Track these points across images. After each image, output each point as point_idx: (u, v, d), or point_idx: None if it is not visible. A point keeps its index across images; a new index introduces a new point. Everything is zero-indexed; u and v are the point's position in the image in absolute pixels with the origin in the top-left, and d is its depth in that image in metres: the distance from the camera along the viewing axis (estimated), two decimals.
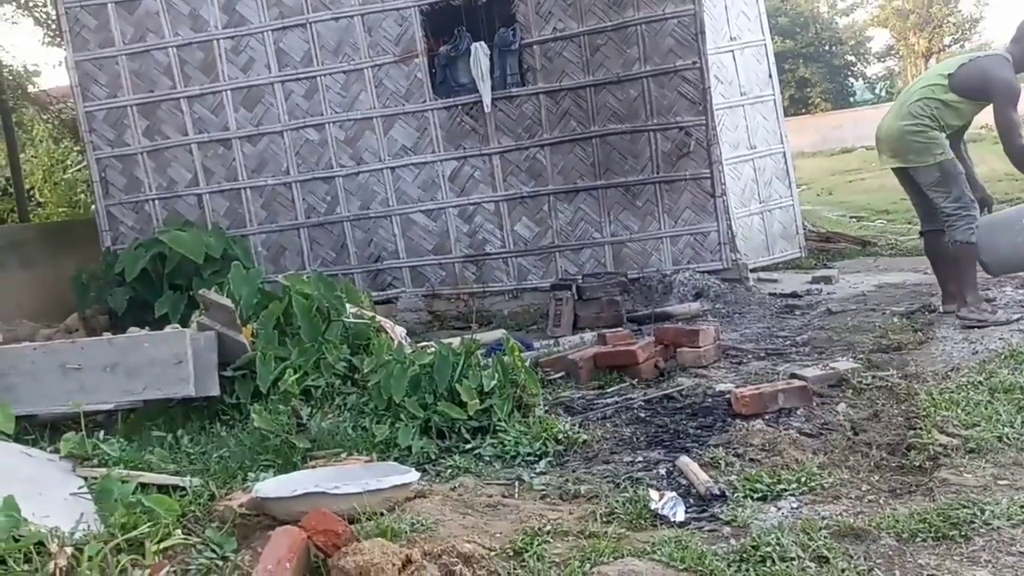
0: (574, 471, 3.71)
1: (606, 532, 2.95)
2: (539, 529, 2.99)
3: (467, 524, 3.06)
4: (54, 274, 9.29)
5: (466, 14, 8.42)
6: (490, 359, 4.64)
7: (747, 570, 2.63)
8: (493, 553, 2.79)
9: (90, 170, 9.24)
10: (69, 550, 2.72)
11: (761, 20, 9.37)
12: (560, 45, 8.20)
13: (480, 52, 8.22)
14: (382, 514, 3.09)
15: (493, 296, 8.54)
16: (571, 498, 3.38)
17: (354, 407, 4.49)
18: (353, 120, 8.63)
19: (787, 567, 2.60)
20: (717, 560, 2.68)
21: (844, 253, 9.95)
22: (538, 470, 3.77)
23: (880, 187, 14.40)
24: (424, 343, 5.81)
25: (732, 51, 9.04)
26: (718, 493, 3.25)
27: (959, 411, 3.77)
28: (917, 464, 3.34)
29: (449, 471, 3.83)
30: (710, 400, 4.53)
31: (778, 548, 2.69)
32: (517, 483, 3.61)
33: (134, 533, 2.95)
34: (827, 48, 44.86)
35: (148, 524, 3.02)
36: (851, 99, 45.62)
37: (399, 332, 5.67)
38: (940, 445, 3.42)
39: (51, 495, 3.36)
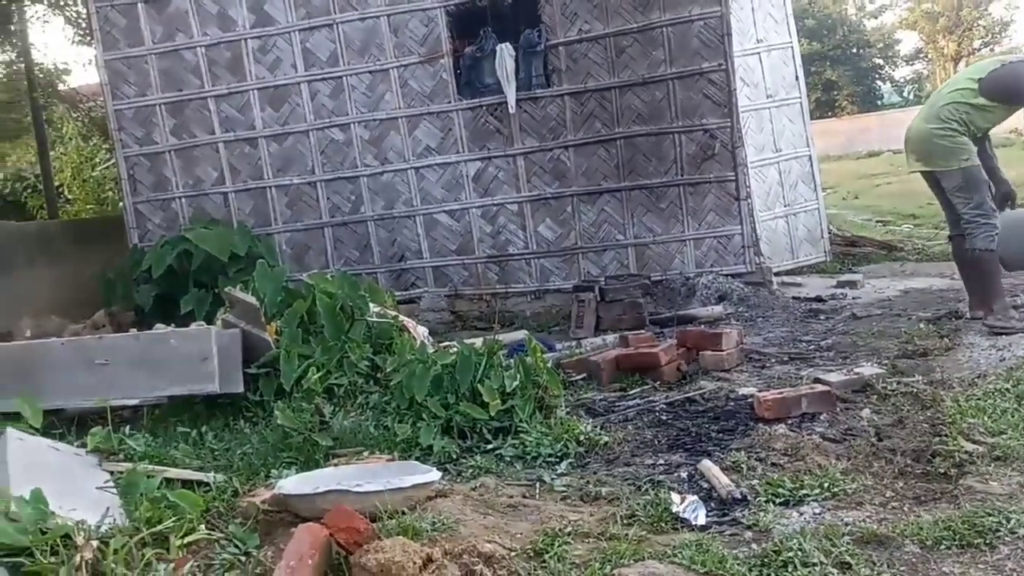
0: (595, 473, 3.71)
1: (627, 534, 2.94)
2: (560, 530, 2.99)
3: (488, 524, 3.06)
4: (82, 271, 9.40)
5: (492, 15, 8.43)
6: (512, 360, 4.64)
7: (768, 575, 2.62)
8: (513, 553, 2.80)
9: (118, 168, 9.35)
10: (95, 543, 2.75)
11: (788, 22, 9.31)
12: (585, 46, 8.20)
13: (505, 53, 8.23)
14: (403, 513, 3.10)
15: (515, 297, 8.55)
16: (592, 500, 3.38)
17: (376, 406, 4.51)
18: (378, 120, 8.67)
19: (809, 573, 2.59)
20: (738, 565, 2.67)
21: (869, 258, 9.86)
22: (559, 471, 3.77)
23: (907, 191, 14.26)
24: (446, 343, 5.82)
25: (759, 53, 8.99)
26: (740, 497, 3.23)
27: (985, 418, 3.73)
28: (942, 471, 3.31)
29: (470, 471, 3.84)
30: (732, 404, 4.51)
31: (800, 554, 2.67)
32: (538, 484, 3.62)
33: (159, 527, 2.98)
34: (855, 51, 44.51)
35: (172, 519, 3.05)
36: (879, 102, 45.22)
37: (421, 332, 5.69)
38: (966, 452, 3.39)
39: (78, 488, 3.40)
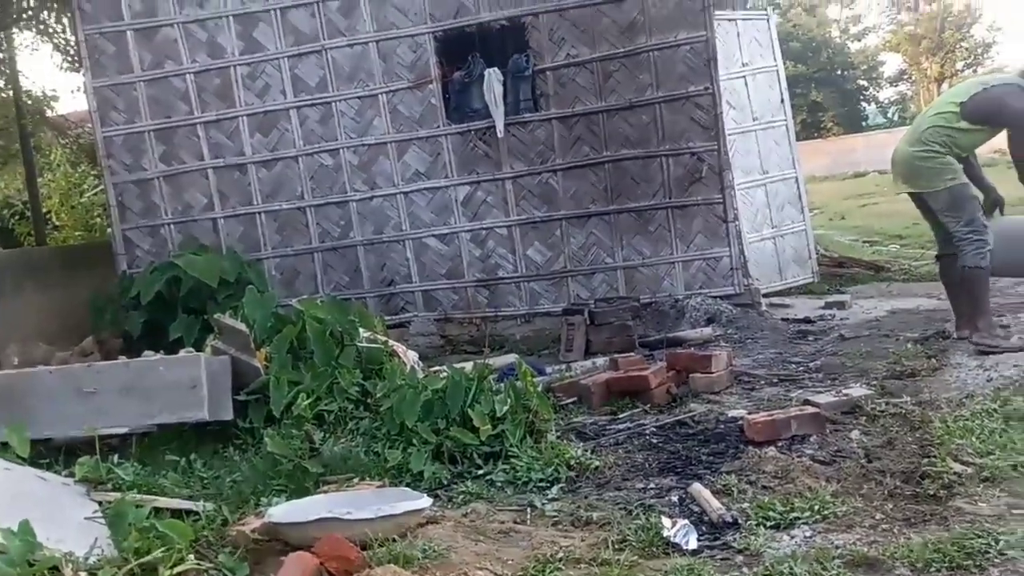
0: (586, 497, 3.71)
1: (618, 560, 2.94)
2: (551, 556, 2.98)
3: (479, 551, 3.06)
4: (70, 297, 9.36)
5: (480, 40, 8.49)
6: (502, 384, 4.65)
7: None
8: None
9: (107, 194, 9.34)
10: (83, 575, 2.73)
11: (773, 45, 9.41)
12: (573, 71, 8.26)
13: (493, 78, 8.28)
14: (394, 540, 3.09)
15: (505, 320, 8.55)
16: (583, 525, 3.38)
17: (367, 432, 4.51)
18: (367, 145, 8.70)
19: None
20: None
21: (857, 278, 9.91)
22: (550, 496, 3.77)
23: (893, 211, 14.37)
24: (436, 367, 5.82)
25: (744, 77, 9.08)
26: (731, 521, 3.23)
27: (973, 439, 3.75)
28: (931, 493, 3.32)
29: (461, 497, 3.83)
30: (723, 426, 4.52)
31: None
32: (529, 509, 3.61)
33: (147, 558, 2.96)
34: (839, 73, 44.98)
35: (161, 549, 3.03)
36: (864, 123, 45.67)
37: (412, 356, 5.69)
38: (954, 473, 3.41)
39: (66, 519, 3.38)
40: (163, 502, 3.65)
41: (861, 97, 47.43)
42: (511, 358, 6.59)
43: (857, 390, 4.77)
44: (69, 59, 13.52)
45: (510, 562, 2.96)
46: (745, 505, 3.38)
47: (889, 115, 48.06)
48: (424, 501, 3.38)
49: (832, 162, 31.84)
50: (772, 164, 9.24)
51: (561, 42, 8.25)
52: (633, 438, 4.51)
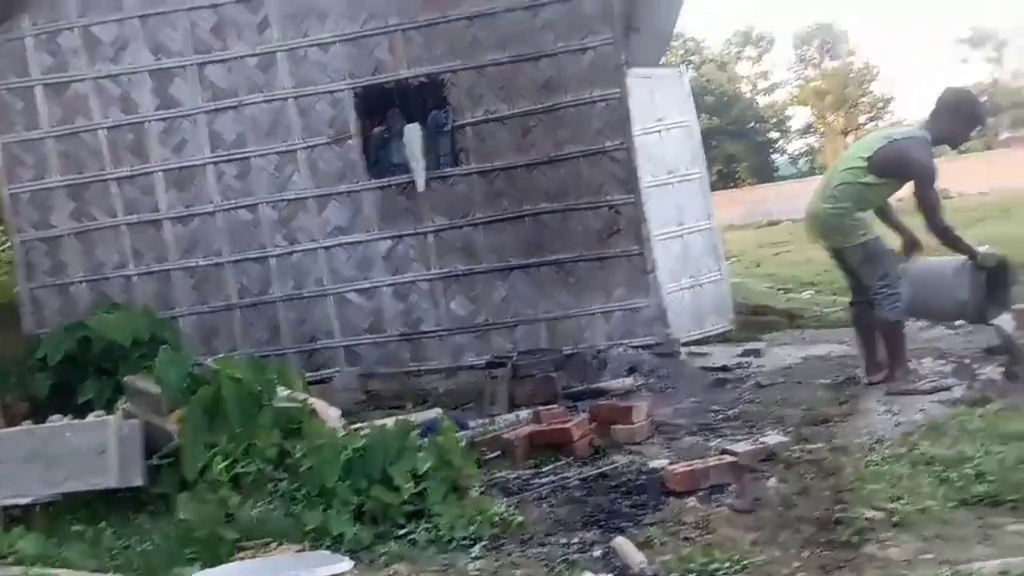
0: (509, 555, 3.68)
1: None
2: None
3: None
4: None
5: (399, 96, 8.56)
6: (426, 439, 4.61)
7: None
8: None
9: (14, 252, 9.03)
10: None
11: (687, 100, 9.70)
12: (493, 126, 8.37)
13: (413, 133, 8.34)
14: None
15: (429, 374, 8.49)
16: None
17: (285, 494, 4.40)
18: (287, 200, 8.62)
19: None
20: None
21: (773, 326, 10.13)
22: (473, 555, 3.73)
23: (805, 259, 14.83)
24: (358, 424, 5.74)
25: (659, 131, 9.29)
26: (653, 574, 3.25)
27: (884, 484, 3.85)
28: (845, 539, 3.39)
29: (383, 558, 3.76)
30: (644, 478, 4.55)
31: None
32: (452, 570, 3.57)
33: None
34: (751, 125, 46.66)
35: None
36: (775, 174, 47.33)
37: (333, 413, 5.60)
38: (866, 519, 3.49)
39: None
40: (68, 575, 3.49)
41: (772, 149, 49.27)
42: (434, 413, 6.54)
43: (773, 437, 4.87)
44: None
45: None
46: (668, 557, 3.40)
47: (799, 166, 49.97)
48: (345, 564, 3.32)
49: (747, 211, 32.77)
50: (689, 216, 9.46)
51: (480, 98, 8.37)
52: (556, 492, 4.51)
